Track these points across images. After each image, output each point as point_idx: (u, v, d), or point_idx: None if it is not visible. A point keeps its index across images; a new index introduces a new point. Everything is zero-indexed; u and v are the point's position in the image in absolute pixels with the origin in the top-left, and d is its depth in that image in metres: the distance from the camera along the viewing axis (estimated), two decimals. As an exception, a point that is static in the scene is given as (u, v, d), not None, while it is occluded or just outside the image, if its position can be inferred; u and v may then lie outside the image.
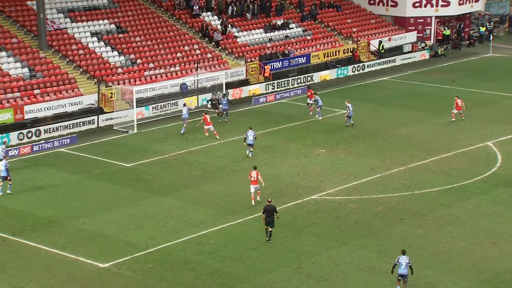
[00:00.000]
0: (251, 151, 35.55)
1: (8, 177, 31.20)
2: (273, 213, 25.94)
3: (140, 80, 46.80)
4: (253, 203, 29.52)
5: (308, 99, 43.32)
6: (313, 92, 43.58)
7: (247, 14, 56.87)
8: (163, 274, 24.26)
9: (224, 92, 45.60)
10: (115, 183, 33.01)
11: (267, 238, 26.18)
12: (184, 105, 42.01)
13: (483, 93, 46.62)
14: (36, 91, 42.85)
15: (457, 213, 28.52)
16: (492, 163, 33.87)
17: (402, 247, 25.38)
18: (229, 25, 54.92)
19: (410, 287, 22.76)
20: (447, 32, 61.82)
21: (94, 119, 42.74)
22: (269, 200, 26.64)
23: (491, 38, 61.20)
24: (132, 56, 48.73)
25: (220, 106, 42.74)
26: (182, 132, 40.02)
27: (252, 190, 29.47)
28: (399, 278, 22.37)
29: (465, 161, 34.58)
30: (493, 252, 25.04)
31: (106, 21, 50.88)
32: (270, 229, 26.04)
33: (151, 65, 48.44)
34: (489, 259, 24.48)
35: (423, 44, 60.15)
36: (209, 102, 43.88)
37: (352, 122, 40.29)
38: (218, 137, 38.35)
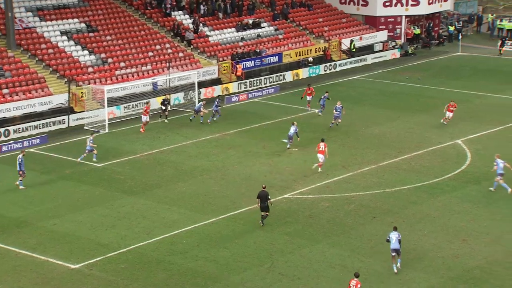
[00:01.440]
0: (290, 143, 36.15)
1: None
2: (267, 198, 26.77)
3: (111, 80, 46.39)
4: (319, 170, 32.78)
5: (308, 97, 43.13)
6: (313, 89, 43.66)
7: (219, 13, 56.75)
8: (135, 274, 24.09)
9: (219, 94, 45.78)
10: (86, 184, 32.68)
11: (261, 223, 27.21)
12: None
13: (452, 92, 47.20)
14: (5, 91, 42.21)
15: (428, 210, 28.84)
16: (462, 161, 34.32)
17: (374, 245, 25.60)
18: (201, 24, 54.74)
19: (381, 284, 22.96)
20: (417, 31, 62.47)
21: (64, 119, 42.26)
22: (264, 186, 27.67)
23: (460, 37, 62.04)
24: (103, 55, 48.26)
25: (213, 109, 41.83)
26: (201, 121, 41.08)
27: (321, 160, 32.50)
28: (393, 254, 23.49)
29: (435, 159, 34.99)
30: (463, 249, 25.38)
31: (76, 20, 50.31)
32: (263, 214, 26.93)
33: (122, 64, 48.05)
34: (459, 256, 24.81)
35: (393, 43, 60.70)
36: (162, 102, 43.25)
37: (337, 123, 39.89)
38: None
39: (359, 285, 21.31)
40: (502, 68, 54.60)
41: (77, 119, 42.66)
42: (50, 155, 36.81)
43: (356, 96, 47.55)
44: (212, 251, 25.68)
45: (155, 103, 45.30)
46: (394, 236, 23.59)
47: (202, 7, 56.23)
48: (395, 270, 23.63)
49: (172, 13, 55.04)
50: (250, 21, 56.84)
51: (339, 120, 39.77)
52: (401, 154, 35.49)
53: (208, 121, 41.46)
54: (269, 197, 27.13)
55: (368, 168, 33.78)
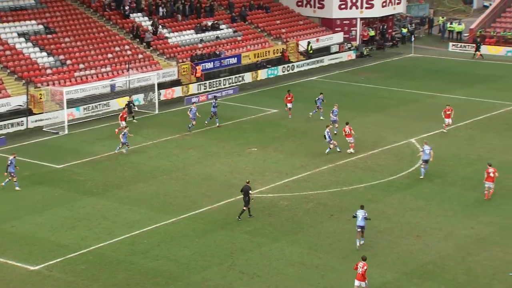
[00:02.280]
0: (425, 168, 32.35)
1: None
2: (248, 193, 27.43)
3: (70, 81, 45.71)
4: (352, 150, 35.34)
5: (288, 104, 41.43)
6: (293, 95, 41.68)
7: (178, 15, 56.46)
8: (96, 275, 23.81)
9: (215, 95, 44.68)
10: (45, 185, 32.14)
11: (238, 217, 27.77)
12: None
13: (405, 92, 47.98)
14: (-38, 93, 41.22)
15: (384, 208, 29.27)
16: (415, 159, 34.94)
17: (332, 242, 25.88)
18: (160, 26, 54.38)
19: (339, 280, 23.22)
20: (372, 33, 63.31)
21: (23, 121, 41.47)
22: (248, 181, 28.27)
23: (413, 39, 63.09)
24: (61, 57, 47.52)
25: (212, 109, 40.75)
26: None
27: (351, 141, 35.04)
28: (358, 230, 25.15)
29: (390, 157, 35.52)
30: (417, 244, 25.84)
31: (33, 21, 49.41)
32: (245, 208, 27.53)
33: (81, 66, 47.39)
34: (413, 252, 25.25)
35: (349, 45, 61.37)
36: (126, 105, 42.82)
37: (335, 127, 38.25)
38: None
39: (365, 267, 21.83)
40: (452, 69, 55.76)
41: (36, 121, 41.93)
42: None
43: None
44: (173, 250, 25.56)
45: (115, 104, 44.93)
46: (360, 214, 25.15)
47: (161, 9, 55.85)
48: (358, 245, 25.04)
49: (131, 15, 54.52)
50: (209, 23, 56.71)
51: (336, 125, 38.21)
52: (357, 153, 35.92)
53: (206, 122, 40.48)
54: (250, 192, 27.58)
55: (326, 167, 34.09)
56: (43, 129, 41.04)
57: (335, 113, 38.85)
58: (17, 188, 31.45)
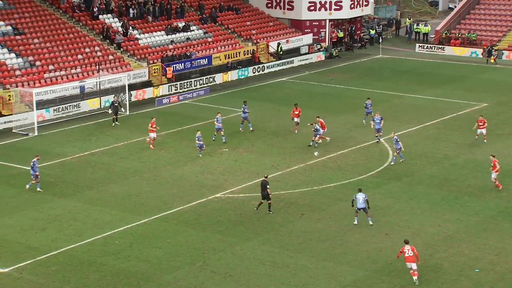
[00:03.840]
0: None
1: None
2: (266, 187, 27.89)
3: (40, 82, 45.05)
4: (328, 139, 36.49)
5: (295, 119, 38.91)
6: (300, 109, 39.05)
7: (148, 16, 56.07)
8: (66, 276, 23.49)
9: (245, 100, 41.27)
10: (15, 187, 31.61)
11: (256, 209, 28.42)
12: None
13: (374, 92, 48.35)
14: None
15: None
16: (384, 159, 35.21)
17: (303, 241, 25.93)
18: (130, 27, 53.93)
19: (309, 279, 23.26)
20: (341, 34, 63.71)
21: (-8, 122, 40.79)
22: (266, 175, 28.88)
23: (381, 40, 63.64)
24: (30, 58, 46.82)
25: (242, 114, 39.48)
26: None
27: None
28: (357, 211, 26.75)
29: (359, 157, 35.76)
30: (386, 242, 26.04)
31: (1, 22, 48.59)
32: (263, 201, 28.15)
33: (51, 67, 46.74)
34: (382, 250, 25.44)
35: (318, 46, 61.64)
36: (111, 105, 42.48)
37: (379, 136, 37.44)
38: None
39: (414, 250, 22.56)
40: (419, 69, 56.38)
41: (5, 122, 41.24)
42: (-23, 159, 35.40)
43: (283, 97, 48.01)
44: (145, 251, 25.34)
45: (86, 105, 44.46)
46: (361, 196, 26.72)
47: (131, 10, 55.40)
48: (356, 222, 27.04)
49: (101, 16, 53.96)
50: (180, 25, 56.44)
51: (381, 133, 37.04)
52: (327, 153, 36.06)
53: (240, 129, 39.62)
54: (268, 186, 27.91)
55: (296, 167, 34.16)
56: (13, 131, 40.37)
57: (377, 120, 37.05)
58: (38, 189, 30.83)
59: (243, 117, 39.69)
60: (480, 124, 36.67)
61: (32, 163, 30.97)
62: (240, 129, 39.76)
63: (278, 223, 27.76)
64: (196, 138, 35.32)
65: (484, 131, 36.88)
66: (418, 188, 31.39)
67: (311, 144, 36.91)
